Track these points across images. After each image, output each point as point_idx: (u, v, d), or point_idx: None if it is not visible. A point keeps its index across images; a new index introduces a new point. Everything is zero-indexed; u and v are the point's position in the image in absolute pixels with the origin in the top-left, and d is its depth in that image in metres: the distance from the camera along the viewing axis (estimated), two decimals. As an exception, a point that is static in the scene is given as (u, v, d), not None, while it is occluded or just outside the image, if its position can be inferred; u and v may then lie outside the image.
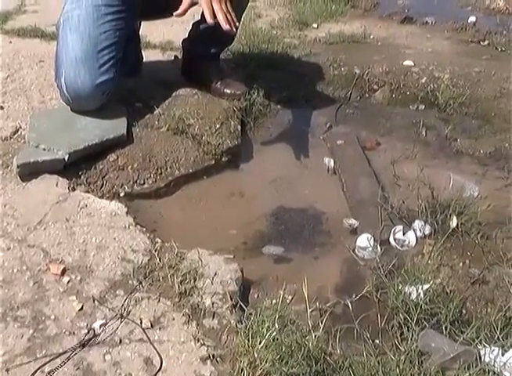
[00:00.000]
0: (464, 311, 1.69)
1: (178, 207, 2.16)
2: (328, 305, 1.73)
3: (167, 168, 2.28)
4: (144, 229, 1.91)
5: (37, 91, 2.51)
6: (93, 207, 1.96)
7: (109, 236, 1.85)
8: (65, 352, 1.49)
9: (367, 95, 2.75)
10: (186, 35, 2.64)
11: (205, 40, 2.53)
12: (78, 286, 1.67)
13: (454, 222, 1.93)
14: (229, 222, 2.11)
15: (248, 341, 1.47)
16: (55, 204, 1.96)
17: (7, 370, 1.44)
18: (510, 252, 1.88)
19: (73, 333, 1.54)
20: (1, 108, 2.38)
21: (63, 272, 1.71)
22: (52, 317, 1.58)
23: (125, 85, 2.48)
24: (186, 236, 1.98)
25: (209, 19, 1.97)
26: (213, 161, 2.36)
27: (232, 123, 2.49)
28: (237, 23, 2.07)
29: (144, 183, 2.23)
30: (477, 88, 2.74)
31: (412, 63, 2.91)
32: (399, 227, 1.94)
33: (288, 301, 1.75)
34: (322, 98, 2.72)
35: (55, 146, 2.15)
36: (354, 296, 1.76)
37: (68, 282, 1.69)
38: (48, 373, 1.42)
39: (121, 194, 2.17)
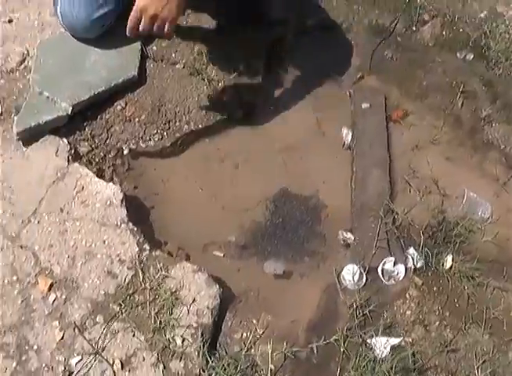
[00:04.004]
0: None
1: (181, 176, 2.18)
2: (294, 349, 1.81)
3: (175, 122, 2.23)
4: (135, 229, 1.92)
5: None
6: (89, 190, 2.00)
7: (100, 239, 1.92)
8: (41, 393, 1.65)
9: (414, 28, 2.47)
10: None
11: None
12: (62, 307, 1.80)
13: (448, 263, 1.94)
14: (228, 203, 2.15)
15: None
16: (52, 184, 1.98)
17: (-11, 411, 1.63)
18: (495, 308, 1.88)
19: (52, 368, 1.72)
20: (10, 21, 2.24)
21: (50, 287, 1.82)
22: (35, 347, 1.75)
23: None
24: (181, 226, 2.08)
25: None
26: (226, 115, 2.27)
27: (255, 65, 2.30)
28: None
29: (150, 139, 2.21)
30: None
31: (477, -15, 2.54)
32: (390, 258, 1.94)
33: (258, 335, 1.83)
34: (362, 27, 2.46)
35: (59, 94, 2.10)
36: (323, 339, 1.83)
37: (54, 301, 1.80)
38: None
39: (125, 152, 2.17)
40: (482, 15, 2.48)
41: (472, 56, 2.41)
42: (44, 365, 1.72)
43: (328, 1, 2.48)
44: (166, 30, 1.82)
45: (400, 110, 2.29)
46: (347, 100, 2.32)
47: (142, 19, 1.80)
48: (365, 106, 2.27)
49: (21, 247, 1.86)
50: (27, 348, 1.73)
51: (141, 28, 1.83)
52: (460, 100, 2.32)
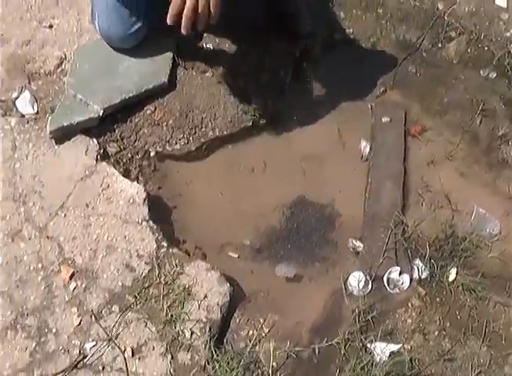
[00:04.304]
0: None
1: (204, 180, 2.34)
2: (296, 349, 1.96)
3: (201, 127, 2.38)
4: (155, 227, 2.09)
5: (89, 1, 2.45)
6: (114, 188, 2.17)
7: (121, 234, 2.09)
8: (57, 374, 1.85)
9: (440, 44, 2.59)
10: None
11: None
12: (82, 296, 1.98)
13: (452, 276, 2.05)
14: (247, 208, 2.30)
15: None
16: (80, 180, 2.16)
17: (8, 386, 1.82)
18: (495, 322, 1.99)
19: (68, 351, 1.90)
20: (51, 27, 2.43)
21: (72, 276, 2.00)
22: (54, 330, 1.93)
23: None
24: (200, 227, 2.25)
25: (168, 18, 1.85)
26: (250, 123, 2.41)
27: (282, 74, 2.45)
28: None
29: (176, 143, 2.36)
30: None
31: (505, 4, 2.64)
32: (396, 268, 2.07)
33: (264, 334, 1.98)
34: (389, 42, 2.59)
35: (91, 97, 2.26)
36: (325, 341, 1.97)
37: (74, 289, 1.98)
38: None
39: (152, 154, 2.33)
40: (508, 34, 2.58)
41: (495, 75, 2.51)
42: (61, 347, 1.90)
43: (357, 15, 2.61)
44: (212, 11, 1.84)
45: (419, 125, 2.41)
46: (369, 113, 2.42)
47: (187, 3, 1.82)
48: (385, 119, 2.39)
49: (47, 237, 2.05)
50: (46, 330, 1.92)
51: (185, 12, 1.84)
52: (479, 118, 2.43)
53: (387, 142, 2.34)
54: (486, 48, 2.57)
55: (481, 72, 2.53)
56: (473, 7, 2.63)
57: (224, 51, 2.44)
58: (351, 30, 2.61)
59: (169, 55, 2.39)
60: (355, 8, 2.65)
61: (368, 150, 2.33)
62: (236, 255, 2.19)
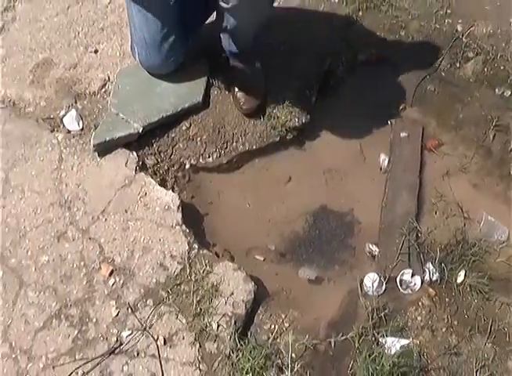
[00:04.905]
0: (424, 381, 2.14)
1: (234, 190, 2.64)
2: (314, 342, 2.23)
3: (232, 142, 2.67)
4: (187, 231, 2.40)
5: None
6: (151, 196, 2.47)
7: (156, 237, 2.39)
8: (96, 358, 2.15)
9: (458, 64, 2.85)
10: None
11: None
12: (119, 290, 2.28)
13: (461, 278, 2.30)
14: (273, 215, 2.59)
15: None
16: (120, 188, 2.48)
17: (53, 368, 2.14)
18: (500, 321, 2.23)
19: (106, 339, 2.20)
20: (96, 52, 2.79)
21: (111, 273, 2.31)
22: (94, 320, 2.23)
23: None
24: (229, 232, 2.54)
25: None
26: (278, 138, 2.69)
27: (308, 94, 2.75)
28: None
29: (209, 157, 2.66)
30: None
31: (522, 27, 2.90)
32: (408, 270, 2.33)
33: (284, 328, 2.27)
34: (411, 62, 2.86)
35: (132, 116, 2.58)
36: (340, 335, 2.24)
37: (113, 284, 2.29)
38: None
39: (187, 166, 2.64)
40: (524, 54, 2.83)
41: (509, 93, 2.76)
42: (100, 335, 2.20)
43: (380, 37, 2.89)
44: None
45: (435, 139, 2.67)
46: (387, 131, 2.71)
47: None
48: (403, 135, 2.67)
49: (89, 239, 2.36)
50: (87, 320, 2.22)
51: None
52: (492, 133, 2.67)
53: (405, 155, 2.61)
54: (502, 67, 2.81)
55: (496, 90, 2.78)
56: (490, 29, 2.89)
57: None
58: (374, 51, 2.87)
59: (203, 77, 2.70)
60: (379, 30, 2.90)
61: (386, 162, 2.60)
62: (262, 258, 2.46)
